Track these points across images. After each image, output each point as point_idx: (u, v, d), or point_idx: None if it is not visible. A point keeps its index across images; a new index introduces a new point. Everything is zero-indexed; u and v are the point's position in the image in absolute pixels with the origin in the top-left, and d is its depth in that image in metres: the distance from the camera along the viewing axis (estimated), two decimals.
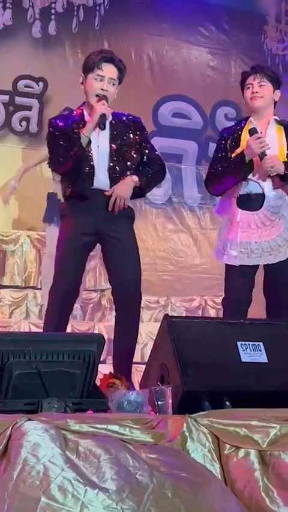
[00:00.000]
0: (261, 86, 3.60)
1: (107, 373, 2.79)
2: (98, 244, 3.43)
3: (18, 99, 7.07)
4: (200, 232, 7.59)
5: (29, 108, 7.11)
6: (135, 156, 3.42)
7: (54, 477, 1.71)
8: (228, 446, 2.02)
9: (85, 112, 3.40)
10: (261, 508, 1.88)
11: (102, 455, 1.80)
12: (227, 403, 2.47)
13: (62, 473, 1.73)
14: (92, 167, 3.31)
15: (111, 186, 3.33)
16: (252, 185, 3.55)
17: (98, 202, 3.32)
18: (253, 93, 3.60)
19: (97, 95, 3.33)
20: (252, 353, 2.63)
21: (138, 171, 3.42)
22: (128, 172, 3.37)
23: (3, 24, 7.00)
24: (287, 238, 3.52)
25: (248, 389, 2.57)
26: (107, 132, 3.36)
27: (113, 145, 3.36)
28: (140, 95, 7.50)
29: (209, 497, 1.80)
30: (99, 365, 2.44)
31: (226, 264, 3.57)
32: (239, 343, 2.64)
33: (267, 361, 2.64)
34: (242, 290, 3.52)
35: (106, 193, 3.32)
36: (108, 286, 6.14)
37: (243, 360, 2.62)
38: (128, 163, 3.38)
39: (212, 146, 7.64)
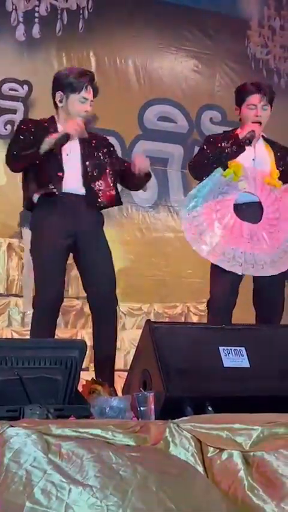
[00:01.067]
0: (264, 109, 3.59)
1: (89, 379, 2.79)
2: None
3: (3, 103, 7.05)
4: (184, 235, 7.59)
5: (13, 111, 7.09)
6: (108, 165, 3.42)
7: (37, 481, 1.70)
8: (211, 449, 2.02)
9: (58, 124, 3.41)
10: (248, 506, 1.87)
11: (85, 454, 1.79)
12: (209, 408, 2.47)
13: (45, 476, 1.72)
14: (62, 172, 3.30)
15: (86, 190, 3.32)
16: (244, 195, 3.57)
17: (70, 206, 3.30)
18: (256, 116, 3.59)
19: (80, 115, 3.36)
20: (234, 358, 2.64)
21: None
22: (103, 176, 3.38)
23: None
24: (286, 251, 3.55)
25: (231, 394, 2.57)
26: (77, 144, 3.37)
27: (85, 154, 3.37)
28: (125, 99, 7.51)
29: (194, 490, 1.81)
30: (82, 372, 2.43)
31: (214, 265, 3.57)
32: (221, 348, 2.64)
33: (249, 366, 2.65)
34: (229, 291, 3.52)
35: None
36: None
37: (225, 365, 2.62)
38: (102, 167, 3.40)
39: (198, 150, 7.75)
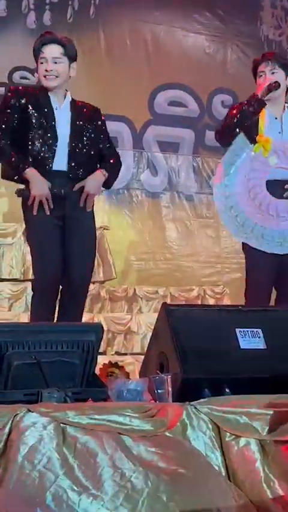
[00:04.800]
0: (273, 73, 3.60)
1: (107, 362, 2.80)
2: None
3: None
4: (196, 220, 7.60)
5: None
6: (95, 140, 3.37)
7: (49, 485, 1.71)
8: (228, 433, 2.02)
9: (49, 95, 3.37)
10: (263, 500, 1.89)
11: (99, 453, 1.80)
12: (227, 389, 2.47)
13: (57, 481, 1.73)
14: (54, 149, 3.26)
15: (69, 167, 3.28)
16: (277, 171, 3.55)
17: (59, 184, 3.26)
18: (264, 80, 3.59)
19: (44, 76, 3.33)
20: (251, 339, 2.63)
21: (103, 163, 3.39)
22: (86, 157, 3.33)
23: None
24: None
25: (247, 375, 2.57)
26: (67, 115, 3.34)
27: (74, 128, 3.33)
28: (135, 84, 7.49)
29: (208, 496, 1.81)
30: (99, 356, 2.44)
31: (247, 245, 3.54)
32: (237, 330, 2.63)
33: (266, 348, 2.64)
34: (266, 270, 3.51)
35: (76, 186, 3.26)
36: (107, 277, 6.19)
37: (242, 347, 2.62)
38: (87, 146, 3.35)
39: (209, 134, 7.71)
